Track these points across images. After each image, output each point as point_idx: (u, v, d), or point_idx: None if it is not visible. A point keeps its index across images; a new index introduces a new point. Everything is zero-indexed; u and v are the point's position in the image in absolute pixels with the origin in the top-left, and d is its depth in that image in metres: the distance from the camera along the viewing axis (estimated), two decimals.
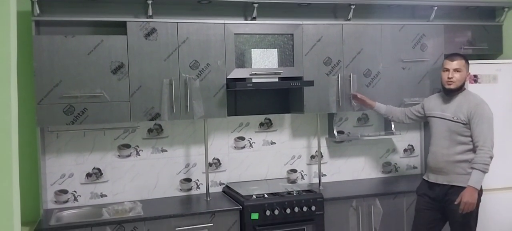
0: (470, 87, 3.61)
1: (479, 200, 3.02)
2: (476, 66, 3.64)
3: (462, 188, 2.99)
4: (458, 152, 3.03)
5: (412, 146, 4.14)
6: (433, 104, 3.23)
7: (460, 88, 3.10)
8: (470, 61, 3.62)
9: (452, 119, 3.05)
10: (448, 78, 3.09)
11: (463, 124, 3.01)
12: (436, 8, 3.78)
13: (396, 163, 4.12)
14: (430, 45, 3.77)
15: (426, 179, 3.23)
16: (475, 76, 3.64)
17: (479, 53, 3.99)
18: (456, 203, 2.96)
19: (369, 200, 3.44)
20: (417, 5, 3.82)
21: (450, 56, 3.17)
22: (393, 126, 3.94)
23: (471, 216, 3.03)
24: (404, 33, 3.70)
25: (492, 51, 4.02)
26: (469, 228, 3.09)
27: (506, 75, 3.71)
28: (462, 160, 3.02)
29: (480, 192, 3.01)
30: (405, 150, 4.13)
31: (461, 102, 3.05)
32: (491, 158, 2.93)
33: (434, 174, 3.15)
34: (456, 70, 3.08)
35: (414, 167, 4.16)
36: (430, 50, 3.77)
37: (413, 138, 4.15)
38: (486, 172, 2.93)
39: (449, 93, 3.13)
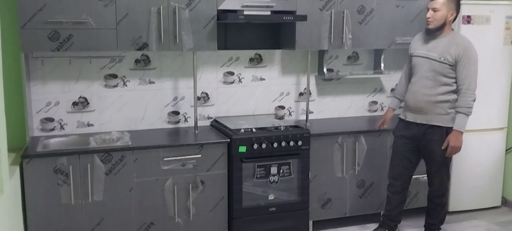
0: (463, 28, 3.61)
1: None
2: (470, 7, 3.61)
3: (441, 127, 3.05)
4: (441, 93, 3.05)
5: None
6: (418, 44, 3.20)
7: (441, 28, 3.05)
8: (464, 1, 3.60)
9: (439, 60, 3.03)
10: (427, 17, 3.08)
11: (450, 65, 3.00)
12: None
13: (382, 102, 4.15)
14: None
15: (403, 118, 3.26)
16: (468, 17, 3.61)
17: None
18: (443, 148, 3.02)
19: (354, 137, 3.49)
20: None
21: None
22: (382, 65, 3.94)
23: (447, 158, 3.11)
24: None
25: None
26: (446, 168, 3.18)
27: (499, 17, 3.69)
28: (444, 100, 3.05)
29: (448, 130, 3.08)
30: (392, 89, 4.15)
31: (449, 44, 3.03)
32: (474, 100, 2.97)
33: (412, 113, 3.18)
34: (434, 9, 3.04)
35: (400, 107, 4.19)
36: None
37: None
38: (470, 115, 2.98)
39: (429, 32, 3.11)
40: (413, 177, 3.40)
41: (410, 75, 3.28)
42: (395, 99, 3.45)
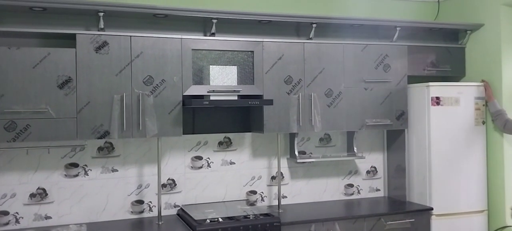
0: (432, 109, 3.59)
1: None
2: (438, 89, 3.61)
3: None
4: None
5: (375, 167, 4.07)
6: None
7: None
8: (432, 83, 3.62)
9: None
10: None
11: None
12: (399, 28, 3.74)
13: (358, 185, 4.03)
14: (393, 65, 3.72)
15: None
16: (437, 98, 3.60)
17: (442, 75, 3.97)
18: None
19: (328, 224, 3.32)
20: (380, 25, 3.77)
21: None
22: (355, 147, 3.86)
23: None
24: (367, 53, 3.64)
25: (455, 73, 4.00)
26: None
27: (468, 98, 3.68)
28: None
29: None
30: (368, 172, 4.06)
31: None
32: None
33: None
34: None
35: (377, 189, 4.08)
36: (393, 71, 3.72)
37: (376, 159, 4.07)
38: None
39: None
40: None
41: (511, 125, 3.50)
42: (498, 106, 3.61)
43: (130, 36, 3.08)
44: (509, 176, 3.64)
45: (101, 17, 3.06)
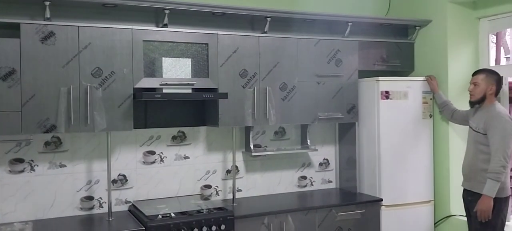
0: (381, 103, 3.69)
1: (498, 208, 3.13)
2: (388, 83, 3.72)
3: (481, 195, 3.12)
4: (480, 160, 3.18)
5: (327, 160, 4.15)
6: (471, 115, 3.40)
7: (481, 101, 3.28)
8: (382, 78, 3.71)
9: (475, 129, 3.25)
10: (469, 90, 3.35)
11: (482, 134, 3.19)
12: (351, 24, 3.82)
13: (311, 177, 4.09)
14: (345, 60, 3.79)
15: (462, 186, 3.41)
16: (386, 92, 3.70)
17: (392, 69, 4.08)
18: (474, 210, 3.16)
19: (281, 217, 3.36)
20: (333, 21, 3.82)
21: (474, 72, 3.39)
22: (309, 140, 3.92)
23: (488, 225, 3.13)
24: (319, 47, 3.69)
25: (404, 68, 4.13)
26: None
27: (416, 92, 3.81)
28: (483, 168, 3.15)
29: (495, 200, 3.10)
30: (320, 164, 4.13)
31: (483, 114, 3.22)
32: (503, 167, 3.07)
33: (464, 180, 3.38)
34: (474, 83, 3.30)
35: (329, 181, 4.16)
36: (345, 66, 3.79)
37: (329, 152, 4.15)
38: (499, 180, 3.05)
39: (471, 104, 3.38)
40: None
41: (453, 116, 3.65)
42: (444, 97, 3.74)
43: (78, 26, 2.96)
44: (454, 167, 3.80)
45: (47, 7, 2.93)
